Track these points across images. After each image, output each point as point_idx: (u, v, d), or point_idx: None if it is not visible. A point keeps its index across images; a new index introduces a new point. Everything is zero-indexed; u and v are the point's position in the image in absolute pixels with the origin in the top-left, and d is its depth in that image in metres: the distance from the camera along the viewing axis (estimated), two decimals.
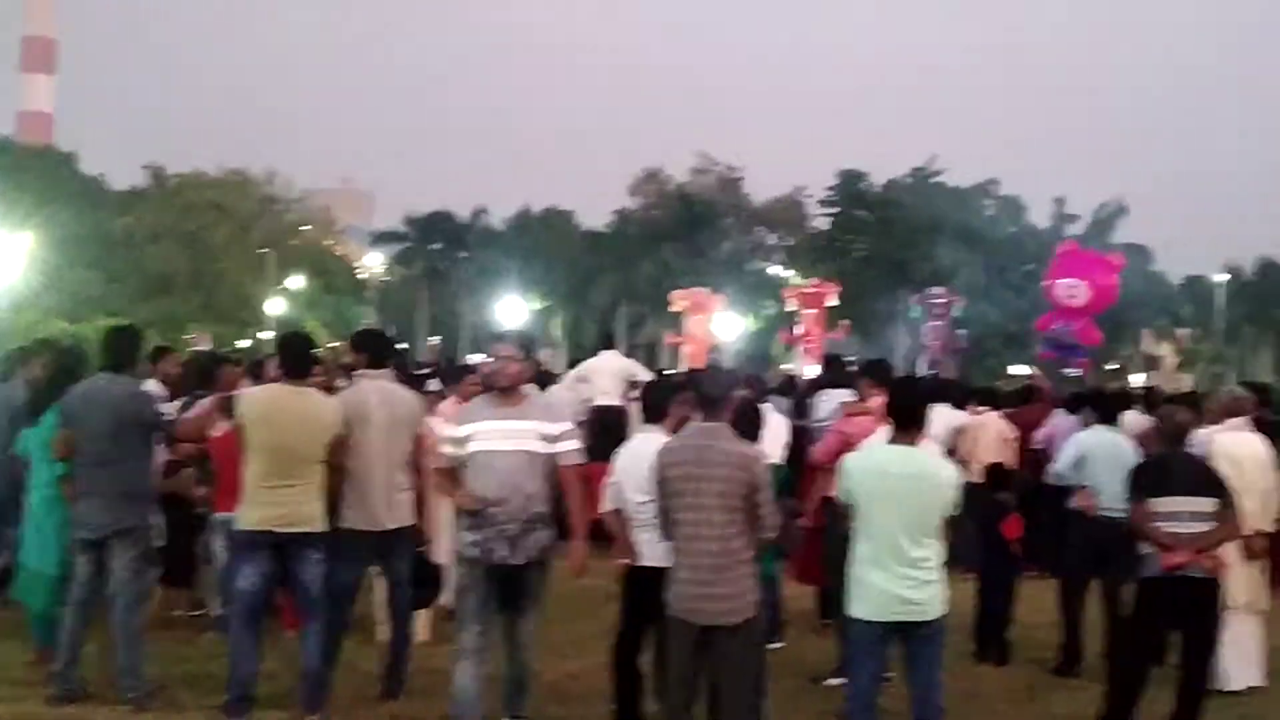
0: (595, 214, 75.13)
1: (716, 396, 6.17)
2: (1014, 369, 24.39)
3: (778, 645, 8.85)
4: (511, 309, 54.28)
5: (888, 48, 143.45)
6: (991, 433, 11.93)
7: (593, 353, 15.04)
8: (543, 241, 66.48)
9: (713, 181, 71.85)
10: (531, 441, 6.59)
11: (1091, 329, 23.93)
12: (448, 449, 6.76)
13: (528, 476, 6.55)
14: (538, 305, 58.83)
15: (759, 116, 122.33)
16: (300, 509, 6.99)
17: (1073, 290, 23.69)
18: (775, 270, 65.41)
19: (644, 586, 6.46)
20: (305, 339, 8.03)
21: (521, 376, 6.77)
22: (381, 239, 71.56)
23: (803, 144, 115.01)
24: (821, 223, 71.29)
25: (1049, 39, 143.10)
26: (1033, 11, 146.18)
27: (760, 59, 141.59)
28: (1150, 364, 68.88)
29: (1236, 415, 9.15)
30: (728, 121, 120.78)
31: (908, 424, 6.15)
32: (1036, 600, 9.83)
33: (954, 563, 8.60)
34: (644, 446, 6.54)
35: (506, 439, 6.56)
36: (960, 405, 12.67)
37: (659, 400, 7.02)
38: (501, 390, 6.69)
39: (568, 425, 6.86)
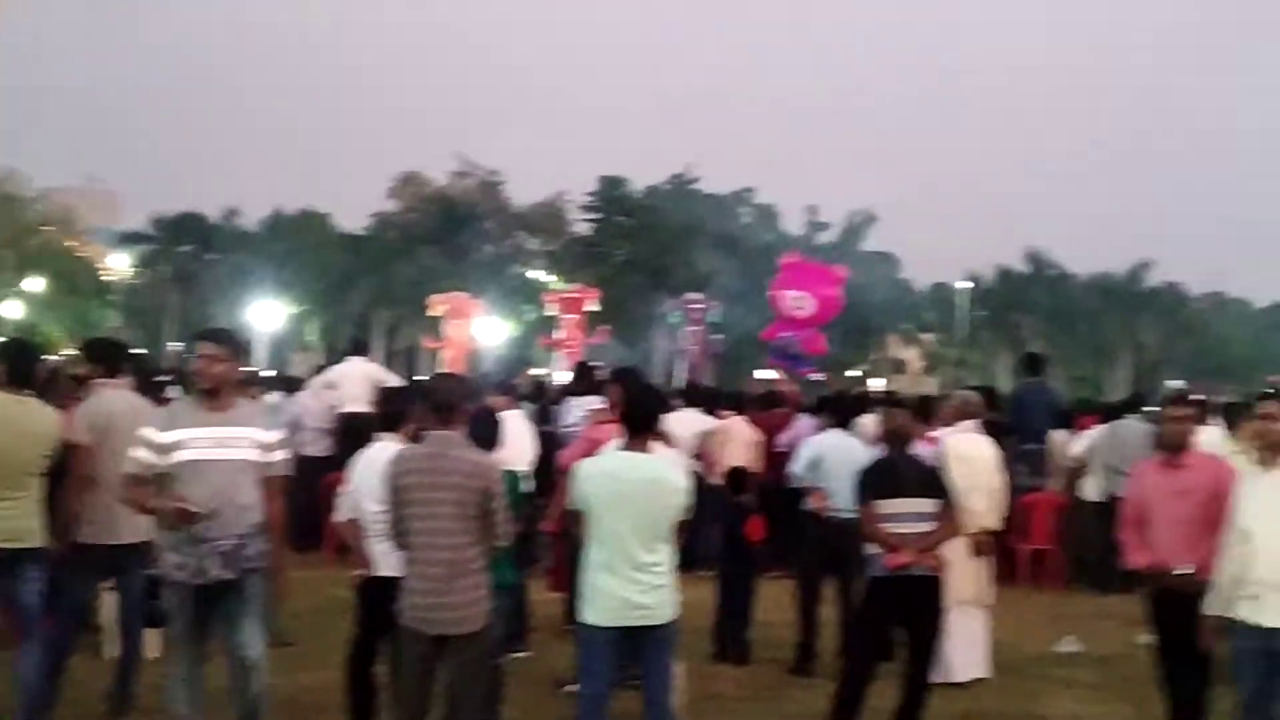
0: (353, 217, 73.98)
1: (450, 404, 6.13)
2: (760, 374, 24.91)
3: (525, 654, 8.87)
4: (265, 313, 52.91)
5: (648, 56, 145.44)
6: (737, 437, 12.17)
7: (344, 358, 14.86)
8: (298, 244, 65.01)
9: (473, 185, 71.44)
10: (247, 449, 6.17)
11: (816, 340, 24.65)
12: (142, 455, 6.07)
13: (243, 487, 6.11)
14: (293, 309, 57.53)
15: (520, 121, 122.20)
16: (18, 524, 6.68)
17: (799, 302, 24.56)
18: (536, 275, 65.52)
19: (379, 596, 6.36)
20: (29, 346, 7.69)
21: (227, 377, 6.23)
22: (128, 240, 68.74)
23: (564, 149, 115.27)
24: (583, 228, 71.84)
25: (801, 52, 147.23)
26: (785, 26, 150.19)
27: (521, 64, 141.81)
28: (897, 368, 71.46)
29: (967, 418, 9.57)
30: (488, 126, 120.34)
31: (640, 429, 6.21)
32: (777, 600, 10.07)
33: (695, 563, 8.81)
34: (380, 455, 6.46)
35: (219, 447, 6.08)
36: (711, 410, 12.91)
37: (394, 408, 6.95)
38: (207, 392, 6.17)
39: (281, 434, 6.57)
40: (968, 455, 8.97)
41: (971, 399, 10.10)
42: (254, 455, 6.20)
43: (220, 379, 6.19)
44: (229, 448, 6.13)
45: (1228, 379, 74.93)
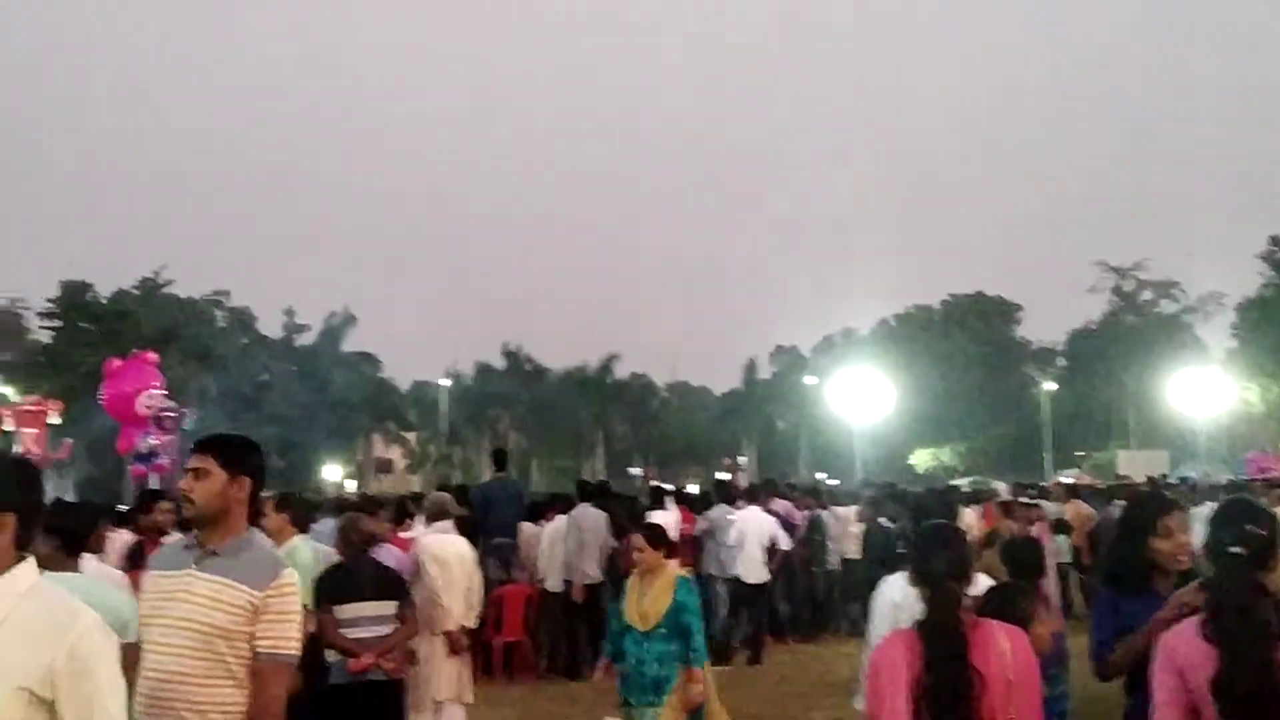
0: None
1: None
2: None
3: None
4: None
5: (110, 151, 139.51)
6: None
7: None
8: None
9: None
10: None
11: (127, 436, 25.71)
12: None
13: None
14: None
15: None
16: None
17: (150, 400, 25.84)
18: None
19: None
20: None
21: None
22: None
23: (19, 252, 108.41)
24: (43, 336, 67.75)
25: (266, 151, 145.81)
26: (255, 118, 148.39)
27: None
28: (382, 467, 71.53)
29: (442, 518, 9.72)
30: None
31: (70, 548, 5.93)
32: None
33: None
34: None
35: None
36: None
37: None
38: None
39: None
40: (443, 555, 9.13)
41: (444, 499, 10.31)
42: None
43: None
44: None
45: (692, 463, 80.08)
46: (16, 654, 2.93)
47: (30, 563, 3.11)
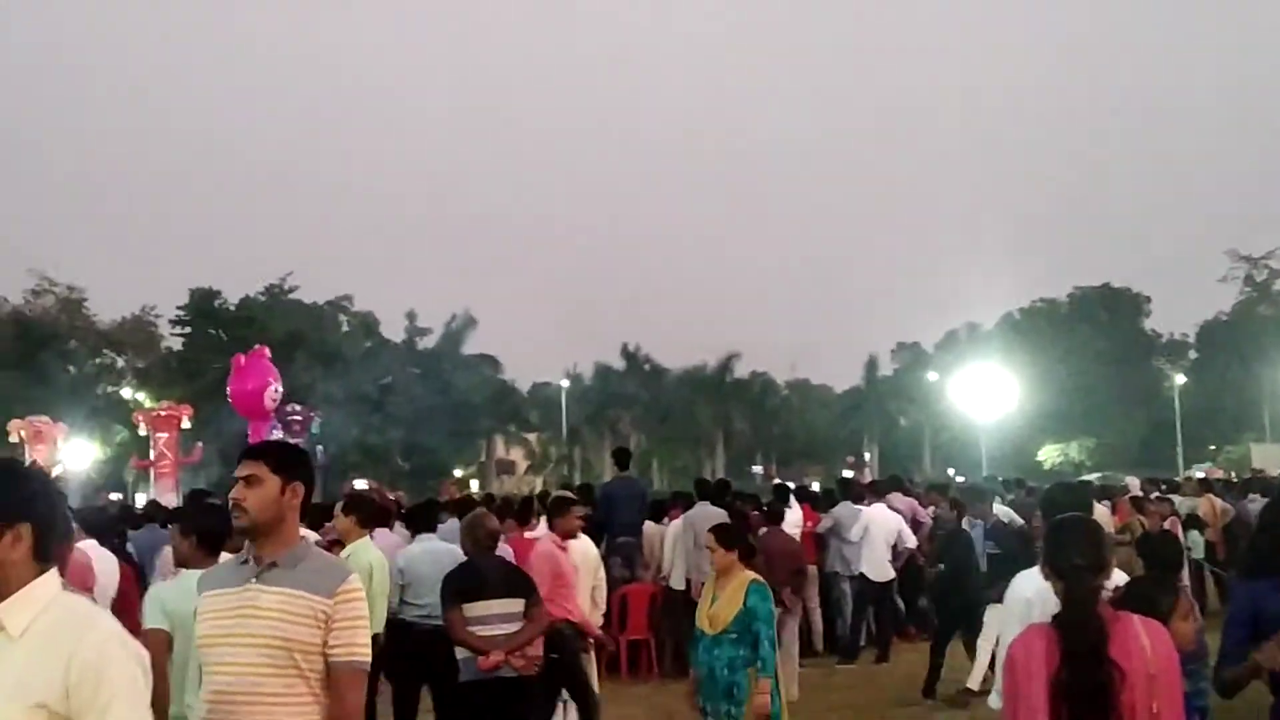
0: None
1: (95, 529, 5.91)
2: (359, 482, 25.07)
3: None
4: None
5: (239, 163, 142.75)
6: None
7: None
8: None
9: (52, 303, 68.00)
10: None
11: (258, 429, 26.41)
12: None
13: None
14: None
15: (101, 235, 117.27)
16: None
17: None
18: (127, 393, 62.85)
19: None
20: None
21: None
22: None
23: (150, 262, 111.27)
24: (174, 343, 69.52)
25: (397, 157, 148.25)
26: (372, 130, 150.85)
27: (94, 175, 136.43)
28: (504, 469, 72.17)
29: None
30: (65, 240, 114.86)
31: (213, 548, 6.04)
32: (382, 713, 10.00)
33: None
34: None
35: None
36: (317, 523, 12.77)
37: None
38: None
39: None
40: (569, 551, 9.17)
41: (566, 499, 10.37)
42: None
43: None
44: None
45: (813, 461, 79.66)
46: (34, 669, 2.84)
47: (52, 575, 2.99)
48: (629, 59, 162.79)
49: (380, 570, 8.66)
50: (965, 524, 12.89)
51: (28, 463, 19.46)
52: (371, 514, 9.40)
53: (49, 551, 3.01)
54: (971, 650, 11.73)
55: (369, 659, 4.08)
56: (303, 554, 4.12)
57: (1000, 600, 6.21)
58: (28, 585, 2.94)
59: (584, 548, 9.46)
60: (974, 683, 11.43)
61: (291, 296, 69.02)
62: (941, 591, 12.60)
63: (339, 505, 9.01)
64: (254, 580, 4.03)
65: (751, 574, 7.50)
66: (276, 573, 4.02)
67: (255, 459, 4.16)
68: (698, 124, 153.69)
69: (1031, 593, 6.03)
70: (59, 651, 2.86)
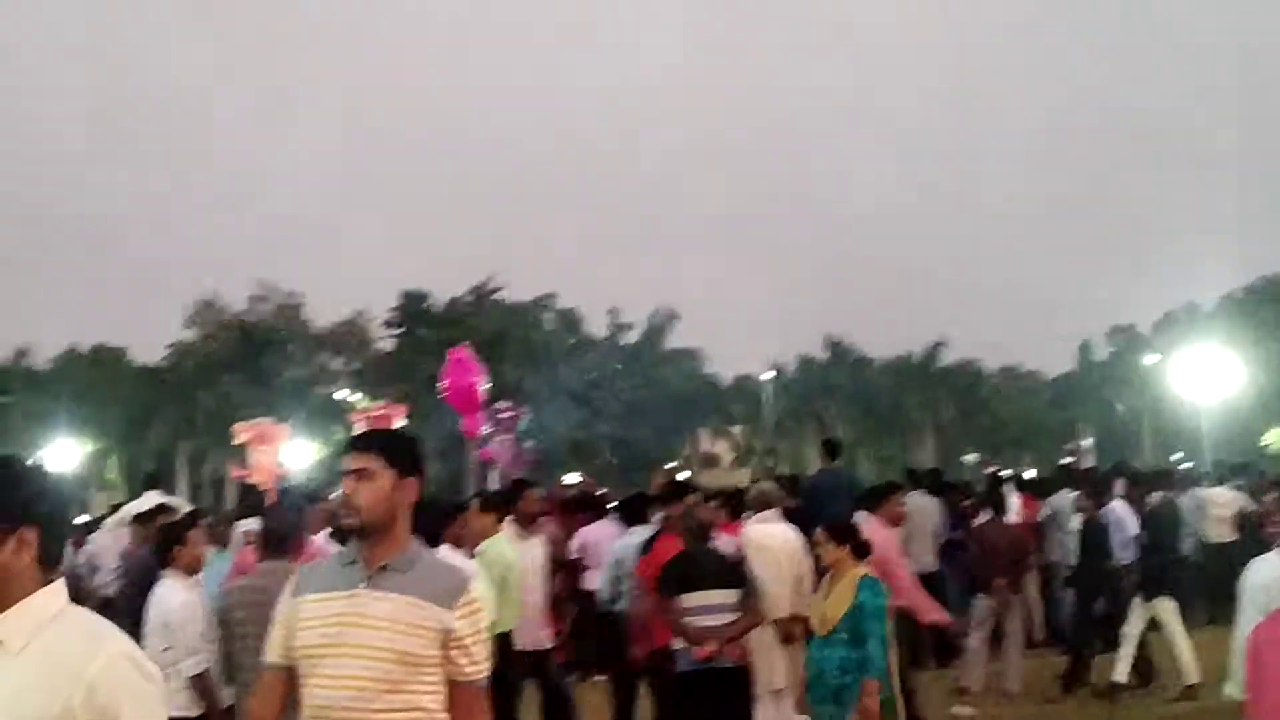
0: (150, 349, 72.34)
1: (282, 535, 6.12)
2: (569, 478, 25.49)
3: None
4: (61, 453, 51.43)
5: (438, 166, 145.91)
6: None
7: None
8: (93, 381, 63.34)
9: (272, 309, 70.68)
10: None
11: (472, 422, 26.49)
12: None
13: None
14: (90, 448, 55.75)
15: (315, 241, 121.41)
16: None
17: (442, 396, 26.85)
18: (342, 394, 64.90)
19: None
20: None
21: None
22: None
23: (362, 266, 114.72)
24: (387, 344, 71.56)
25: (589, 153, 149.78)
26: (573, 129, 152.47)
27: (309, 182, 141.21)
28: (709, 462, 72.28)
29: (766, 508, 9.76)
30: (282, 247, 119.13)
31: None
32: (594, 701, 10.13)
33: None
34: (166, 594, 6.37)
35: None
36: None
37: (171, 540, 6.81)
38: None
39: None
40: (767, 544, 9.12)
41: (768, 489, 10.33)
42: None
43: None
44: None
45: (1025, 450, 77.85)
46: (33, 691, 2.53)
47: (58, 586, 2.67)
48: (856, 38, 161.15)
49: (515, 568, 8.70)
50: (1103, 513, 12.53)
51: (250, 464, 19.94)
52: (506, 511, 9.30)
53: (55, 559, 2.70)
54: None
55: (488, 674, 3.74)
56: (416, 557, 3.73)
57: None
58: (30, 596, 2.61)
59: (785, 537, 9.35)
60: (1120, 675, 11.13)
61: (496, 297, 70.36)
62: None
63: (476, 502, 8.93)
64: (363, 585, 3.63)
65: (864, 569, 7.24)
66: (390, 577, 3.63)
67: (365, 450, 3.71)
68: (909, 103, 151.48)
69: (1269, 579, 5.79)
70: (62, 673, 2.54)
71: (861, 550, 7.38)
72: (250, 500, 12.99)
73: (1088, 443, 75.64)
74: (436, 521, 6.22)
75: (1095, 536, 12.16)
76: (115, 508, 16.28)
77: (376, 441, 3.79)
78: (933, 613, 10.38)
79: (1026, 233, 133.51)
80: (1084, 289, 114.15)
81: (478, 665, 3.66)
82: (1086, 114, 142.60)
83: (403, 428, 4.96)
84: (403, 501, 3.70)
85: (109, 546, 13.66)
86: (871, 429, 74.93)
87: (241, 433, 32.56)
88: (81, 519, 21.04)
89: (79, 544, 13.90)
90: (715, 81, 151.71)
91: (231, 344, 67.10)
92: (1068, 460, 26.34)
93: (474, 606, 3.66)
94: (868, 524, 9.10)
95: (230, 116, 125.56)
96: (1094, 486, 13.83)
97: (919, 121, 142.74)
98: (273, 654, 3.75)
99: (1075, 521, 14.01)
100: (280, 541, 6.01)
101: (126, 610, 8.05)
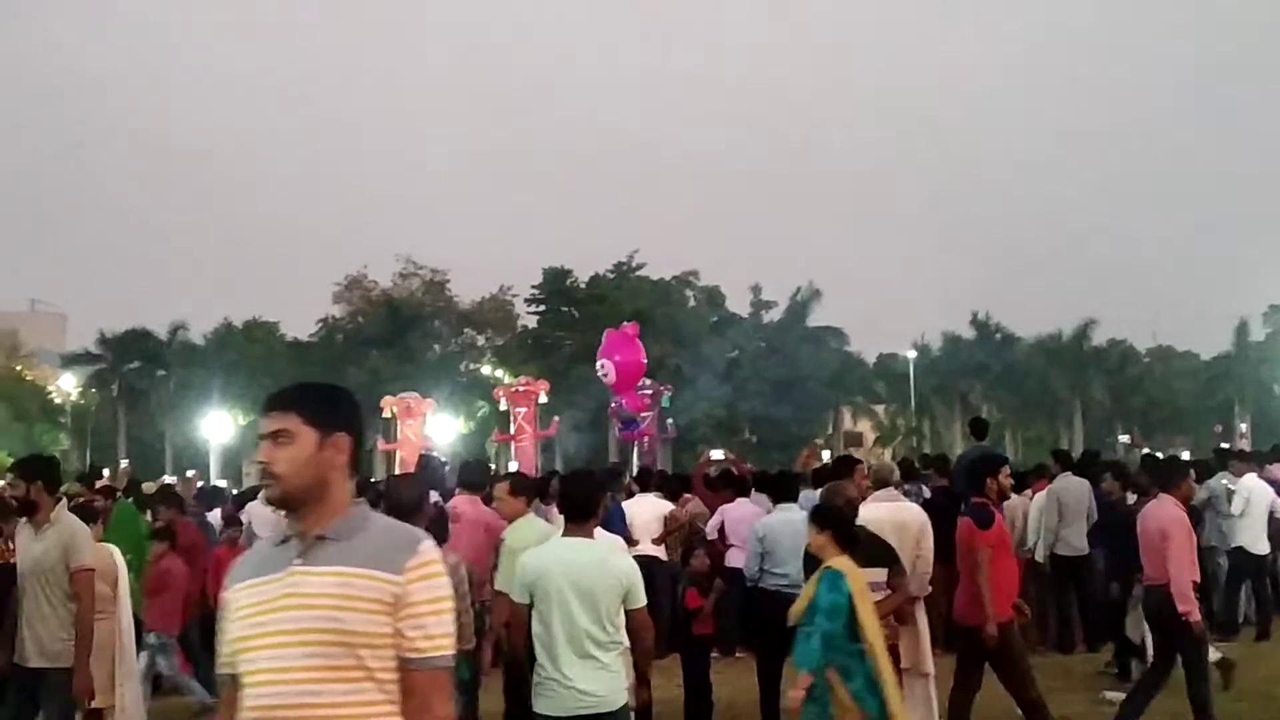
0: (300, 324, 74.11)
1: (407, 506, 6.17)
2: (715, 454, 25.41)
3: None
4: (216, 425, 52.91)
5: (577, 145, 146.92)
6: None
7: None
8: (246, 354, 64.99)
9: (418, 285, 71.81)
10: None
11: (635, 399, 26.40)
12: None
13: None
14: (243, 420, 57.21)
15: (461, 218, 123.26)
16: None
17: (604, 370, 26.91)
18: (486, 370, 65.71)
19: None
20: None
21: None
22: (74, 361, 68.34)
23: (506, 243, 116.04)
24: (529, 321, 72.30)
25: (731, 128, 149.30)
26: (716, 106, 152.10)
27: (453, 160, 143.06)
28: (851, 440, 71.72)
29: (884, 485, 9.51)
30: (429, 224, 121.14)
31: (579, 515, 6.14)
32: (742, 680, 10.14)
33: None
34: None
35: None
36: (674, 494, 13.12)
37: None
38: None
39: None
40: (876, 524, 8.77)
41: (885, 466, 10.16)
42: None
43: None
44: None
45: (1178, 431, 75.88)
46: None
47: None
48: (1013, 18, 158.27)
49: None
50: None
51: (397, 437, 20.74)
52: (534, 492, 9.17)
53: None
54: None
55: (453, 654, 3.10)
56: (360, 523, 3.13)
57: None
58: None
59: (901, 517, 9.06)
60: None
61: (639, 274, 70.52)
62: None
63: (505, 486, 8.81)
64: (296, 561, 3.06)
65: (837, 561, 6.77)
66: (326, 548, 3.06)
67: (281, 410, 3.15)
68: (1050, 78, 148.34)
69: None
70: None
71: (848, 540, 6.98)
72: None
73: (1243, 427, 73.56)
74: (595, 493, 6.20)
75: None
76: None
77: (292, 398, 3.20)
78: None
79: (1181, 210, 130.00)
80: (1240, 268, 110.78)
81: (434, 640, 3.03)
82: (1244, 89, 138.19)
83: (333, 385, 4.54)
84: (333, 462, 3.14)
85: (264, 515, 14.01)
86: (1018, 409, 73.59)
87: (388, 406, 33.34)
88: (235, 490, 21.66)
89: (233, 514, 14.25)
90: (851, 65, 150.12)
91: (379, 319, 68.31)
92: (1224, 443, 25.61)
93: (427, 570, 3.06)
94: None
95: (377, 103, 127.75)
96: (1250, 467, 13.40)
97: (1071, 101, 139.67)
98: (220, 663, 3.19)
99: (1235, 506, 13.64)
100: (405, 513, 5.91)
101: None
